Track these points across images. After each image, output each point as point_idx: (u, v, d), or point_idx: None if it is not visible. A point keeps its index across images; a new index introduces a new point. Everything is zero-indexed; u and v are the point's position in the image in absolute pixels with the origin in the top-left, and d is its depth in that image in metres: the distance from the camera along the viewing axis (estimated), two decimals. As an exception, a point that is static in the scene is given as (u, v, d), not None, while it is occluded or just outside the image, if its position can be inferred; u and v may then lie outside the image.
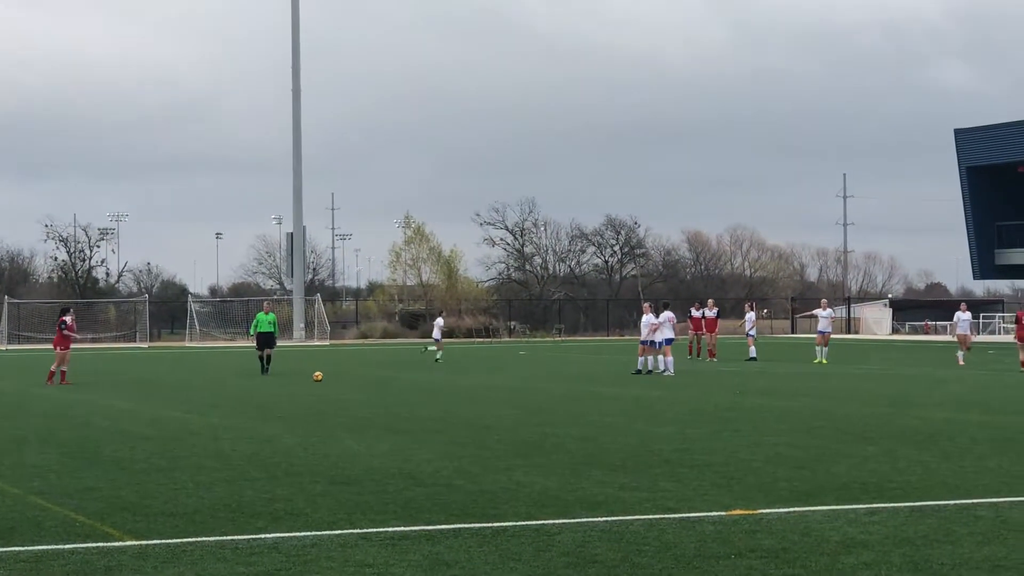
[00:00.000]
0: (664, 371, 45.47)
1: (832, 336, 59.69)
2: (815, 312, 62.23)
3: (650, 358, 46.35)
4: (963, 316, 56.51)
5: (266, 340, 49.80)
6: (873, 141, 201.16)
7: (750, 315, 61.42)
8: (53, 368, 43.31)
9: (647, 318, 46.57)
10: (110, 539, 13.94)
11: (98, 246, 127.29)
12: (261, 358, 49.45)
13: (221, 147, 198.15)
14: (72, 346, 44.39)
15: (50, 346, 48.34)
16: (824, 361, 54.77)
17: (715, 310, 60.34)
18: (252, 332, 52.57)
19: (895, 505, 15.84)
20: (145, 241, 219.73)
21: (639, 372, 45.86)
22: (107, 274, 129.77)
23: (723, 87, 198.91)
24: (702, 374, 46.82)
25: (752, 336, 60.00)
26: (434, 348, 65.12)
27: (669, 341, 46.35)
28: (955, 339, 55.76)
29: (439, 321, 67.62)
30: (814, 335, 66.12)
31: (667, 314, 46.82)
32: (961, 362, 51.74)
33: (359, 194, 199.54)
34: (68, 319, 45.50)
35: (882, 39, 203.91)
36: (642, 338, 46.81)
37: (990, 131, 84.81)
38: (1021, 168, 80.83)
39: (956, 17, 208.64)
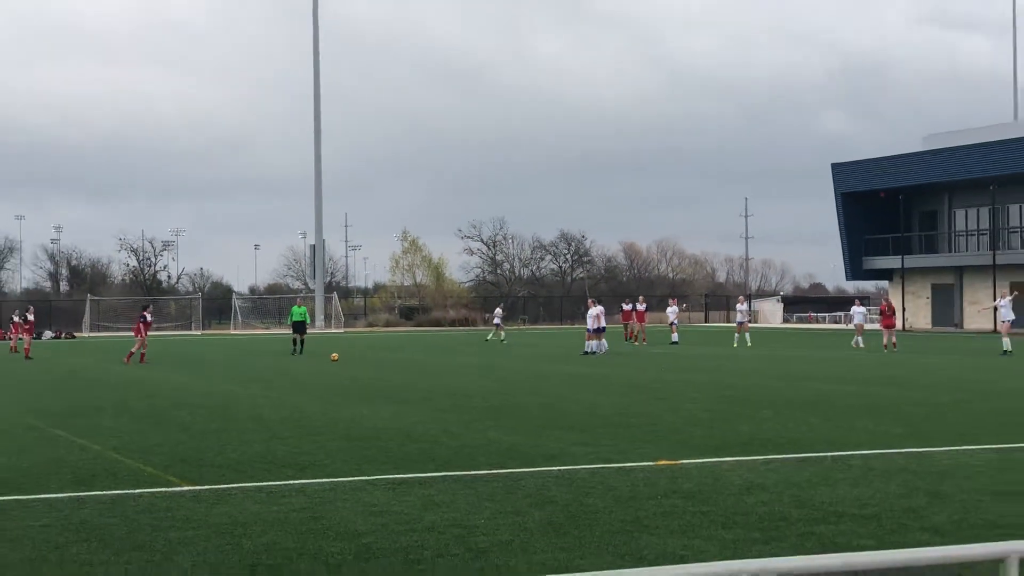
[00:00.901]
0: (602, 352, 45.67)
1: (767, 327, 59.51)
2: (737, 307, 62.17)
3: (593, 342, 46.50)
4: (859, 309, 56.33)
5: (297, 327, 50.48)
6: (769, 171, 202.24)
7: (672, 308, 61.46)
8: (133, 350, 43.33)
9: (593, 310, 46.86)
10: (171, 485, 13.93)
11: (161, 254, 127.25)
12: (294, 341, 49.87)
13: (258, 175, 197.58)
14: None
15: (123, 333, 48.10)
16: (749, 344, 53.81)
17: (644, 304, 60.49)
18: (289, 322, 53.36)
19: (786, 456, 15.88)
20: (198, 250, 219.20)
21: (587, 353, 45.89)
22: (168, 276, 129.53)
23: (654, 127, 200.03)
24: (635, 355, 46.87)
25: (674, 324, 59.98)
26: (492, 337, 63.05)
27: (603, 329, 46.65)
28: (852, 327, 55.31)
29: (498, 311, 65.64)
30: (731, 324, 66.21)
31: (599, 308, 47.22)
32: (862, 344, 51.02)
33: (367, 213, 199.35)
34: (147, 315, 45.58)
35: (778, 91, 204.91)
36: (589, 327, 46.98)
37: (859, 165, 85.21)
38: (883, 193, 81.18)
39: (834, 76, 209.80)
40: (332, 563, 9.74)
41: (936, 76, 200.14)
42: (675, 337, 57.72)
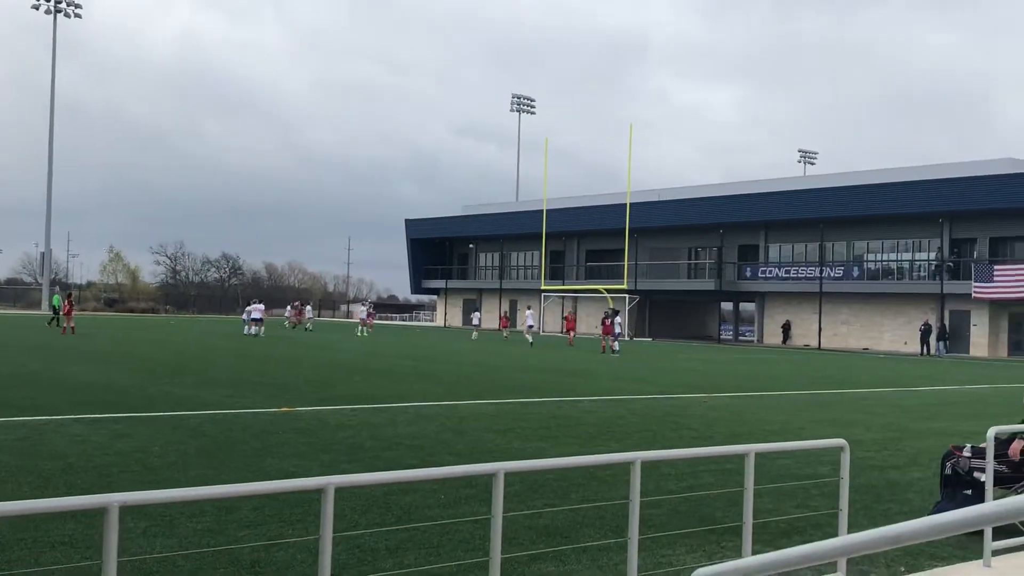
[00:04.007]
0: (257, 335, 44.60)
1: (351, 321, 58.98)
2: (358, 307, 61.51)
3: (255, 328, 45.40)
4: (530, 312, 50.42)
5: (55, 309, 48.40)
6: (366, 223, 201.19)
7: (288, 308, 60.15)
8: (65, 324, 40.97)
9: (255, 307, 45.99)
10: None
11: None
12: (50, 320, 47.85)
13: (4, 200, 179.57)
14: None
15: None
16: (365, 335, 50.65)
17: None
18: (52, 304, 51.57)
19: (367, 406, 15.89)
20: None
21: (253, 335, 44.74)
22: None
23: (289, 185, 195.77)
24: (289, 338, 45.75)
25: (309, 317, 58.57)
26: (505, 333, 49.97)
27: (261, 320, 45.74)
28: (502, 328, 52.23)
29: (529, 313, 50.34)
30: (352, 321, 65.19)
31: (260, 306, 46.44)
32: (617, 349, 40.93)
33: (85, 230, 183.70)
34: (71, 302, 43.42)
35: (373, 168, 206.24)
36: (253, 317, 45.83)
37: (422, 221, 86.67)
38: (449, 244, 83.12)
39: (410, 161, 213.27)
40: (45, 476, 8.97)
41: (472, 167, 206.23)
42: (309, 327, 56.57)
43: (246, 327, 46.09)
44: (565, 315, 52.73)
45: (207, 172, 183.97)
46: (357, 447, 11.39)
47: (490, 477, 4.77)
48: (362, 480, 4.50)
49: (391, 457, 10.70)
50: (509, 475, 4.86)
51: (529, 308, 52.19)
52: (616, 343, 39.67)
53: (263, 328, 46.02)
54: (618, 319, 41.02)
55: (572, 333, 48.92)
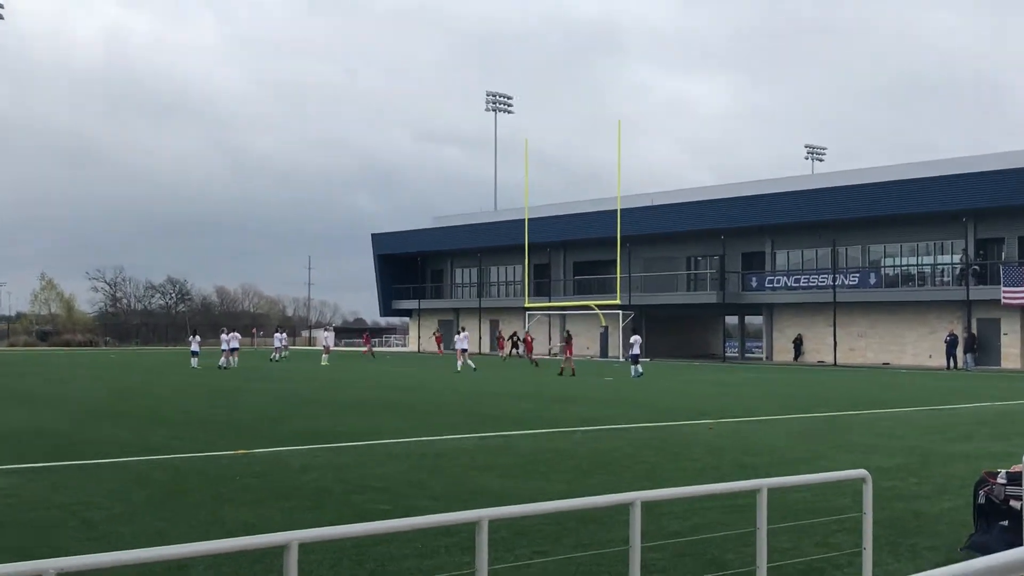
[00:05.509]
0: (227, 366, 44.45)
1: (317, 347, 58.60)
2: (322, 333, 60.93)
3: (225, 358, 45.20)
4: (464, 335, 49.05)
5: None
6: (325, 239, 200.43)
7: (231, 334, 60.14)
8: None
9: (230, 336, 45.70)
10: None
11: None
12: None
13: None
14: None
15: None
16: (327, 364, 50.44)
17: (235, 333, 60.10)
18: None
19: (331, 445, 15.84)
20: None
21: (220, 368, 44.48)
22: None
23: (235, 200, 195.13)
24: (241, 370, 45.52)
25: (285, 346, 58.53)
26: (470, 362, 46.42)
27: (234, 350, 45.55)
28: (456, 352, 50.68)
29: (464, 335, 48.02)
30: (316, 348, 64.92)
31: (235, 335, 46.47)
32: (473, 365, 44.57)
33: (12, 255, 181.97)
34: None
35: (325, 179, 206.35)
36: (230, 347, 45.63)
37: (390, 235, 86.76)
38: (418, 257, 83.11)
39: (366, 171, 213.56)
40: (-31, 537, 8.88)
41: (437, 174, 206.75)
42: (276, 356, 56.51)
43: (220, 358, 45.76)
44: (524, 337, 53.14)
45: (145, 187, 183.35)
46: (322, 491, 11.32)
47: (473, 525, 4.74)
48: (328, 534, 4.47)
49: (360, 502, 10.63)
50: (494, 522, 4.84)
51: (464, 330, 51.11)
52: (639, 365, 40.26)
53: (236, 359, 46.15)
54: (639, 338, 41.84)
55: (531, 355, 49.34)
